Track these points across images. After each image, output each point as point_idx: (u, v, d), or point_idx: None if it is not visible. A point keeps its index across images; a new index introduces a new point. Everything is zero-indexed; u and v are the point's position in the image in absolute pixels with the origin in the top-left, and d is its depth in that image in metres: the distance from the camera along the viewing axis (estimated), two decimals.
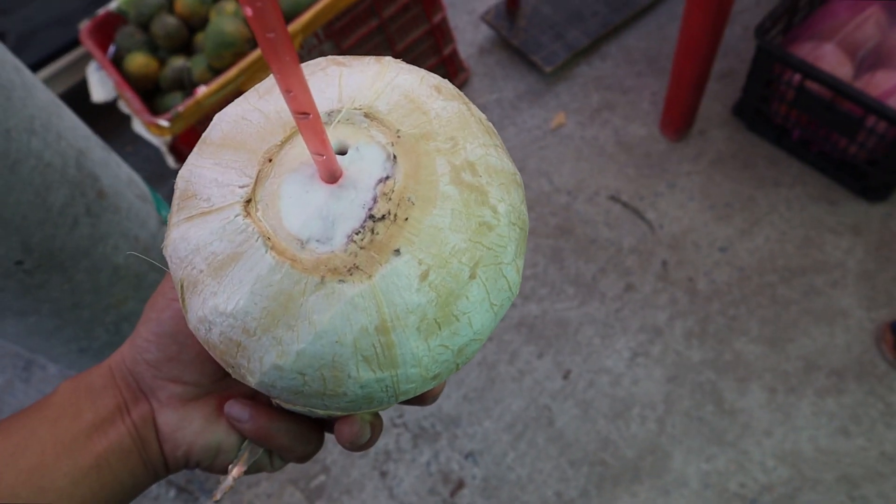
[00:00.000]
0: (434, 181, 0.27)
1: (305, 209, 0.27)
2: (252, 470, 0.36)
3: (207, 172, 0.29)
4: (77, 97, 1.45)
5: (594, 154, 1.51)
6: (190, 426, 0.34)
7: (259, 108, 0.31)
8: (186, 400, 0.34)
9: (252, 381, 0.28)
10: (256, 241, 0.27)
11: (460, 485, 1.21)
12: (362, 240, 0.26)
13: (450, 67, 1.61)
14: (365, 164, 0.28)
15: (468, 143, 0.29)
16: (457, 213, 0.27)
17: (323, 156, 0.26)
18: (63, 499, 0.31)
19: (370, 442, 0.34)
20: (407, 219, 0.26)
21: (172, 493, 1.27)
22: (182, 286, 0.29)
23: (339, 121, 0.30)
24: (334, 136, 0.29)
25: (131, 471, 0.33)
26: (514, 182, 0.30)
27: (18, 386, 1.48)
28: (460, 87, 1.62)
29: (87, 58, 1.54)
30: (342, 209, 0.27)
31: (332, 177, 0.27)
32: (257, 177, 0.29)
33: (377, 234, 0.26)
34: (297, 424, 0.34)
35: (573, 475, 1.19)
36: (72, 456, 0.32)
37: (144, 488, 0.35)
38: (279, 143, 0.29)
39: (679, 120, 1.45)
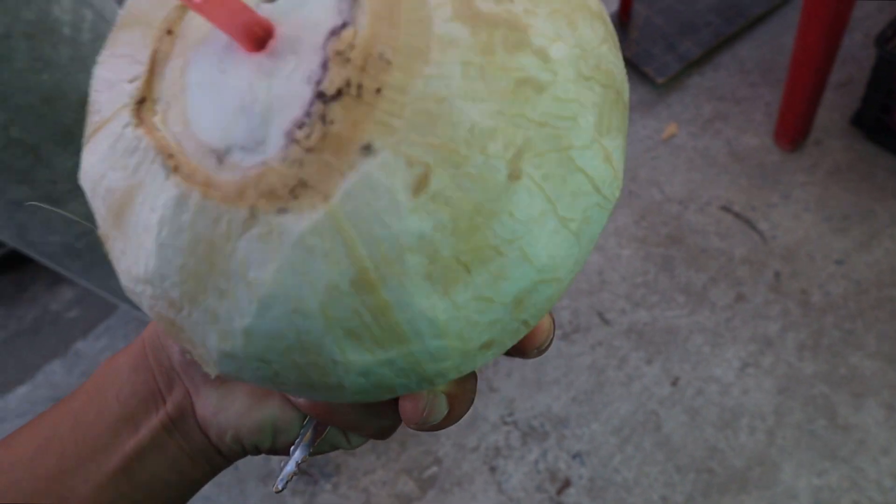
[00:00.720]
0: (424, 19, 0.17)
1: (222, 101, 0.18)
2: (325, 449, 0.31)
3: (102, 70, 0.21)
4: None
5: (706, 164, 1.52)
6: (232, 406, 0.28)
7: None
8: None
9: (211, 373, 0.21)
10: (153, 162, 0.18)
11: (567, 483, 1.25)
12: (309, 137, 0.17)
13: None
14: (307, 8, 0.18)
15: None
16: (471, 67, 0.17)
17: (237, 8, 0.17)
18: None
19: (450, 417, 0.25)
20: (380, 89, 0.17)
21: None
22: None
23: None
24: None
25: (174, 466, 0.29)
26: (585, 9, 0.20)
27: None
28: None
29: None
30: (277, 90, 0.17)
31: (256, 40, 0.18)
32: (152, 61, 0.20)
33: (332, 122, 0.17)
34: None
35: (679, 481, 1.20)
36: (95, 459, 0.27)
37: (203, 481, 0.30)
38: (180, 3, 0.20)
39: (794, 130, 1.44)
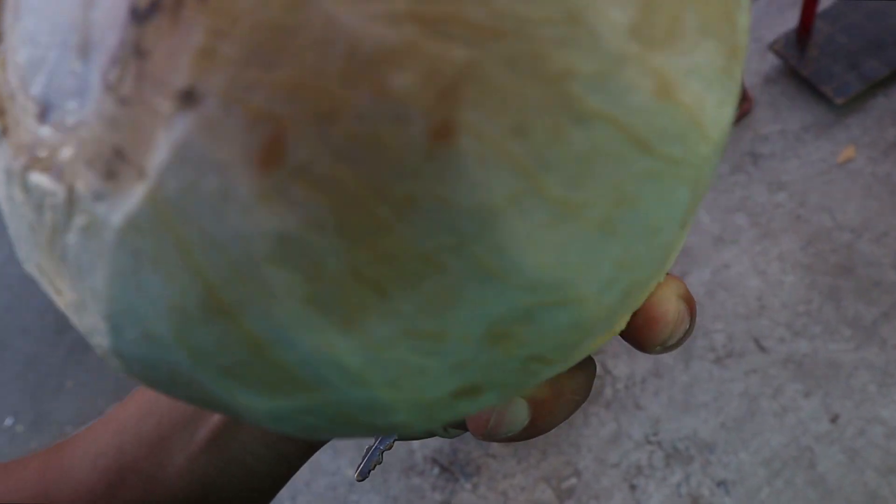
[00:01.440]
0: None
1: (47, 29, 0.13)
2: (419, 436, 0.28)
3: None
4: None
5: (886, 192, 1.43)
6: None
7: None
8: None
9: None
10: None
11: None
12: (121, 80, 0.11)
13: None
14: None
15: None
16: None
17: None
18: (184, 475, 0.27)
19: (537, 426, 0.19)
20: None
21: (436, 470, 1.41)
22: None
23: None
24: None
25: (264, 441, 0.27)
26: None
27: None
28: (742, 117, 1.62)
29: None
30: (96, 12, 0.12)
31: None
32: None
33: (147, 55, 0.11)
34: None
35: None
36: (187, 428, 0.27)
37: (295, 459, 0.28)
38: None
39: None
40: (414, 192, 0.10)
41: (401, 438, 0.24)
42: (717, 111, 0.12)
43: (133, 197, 0.11)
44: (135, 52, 0.11)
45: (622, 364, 1.38)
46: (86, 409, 1.70)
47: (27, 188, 0.12)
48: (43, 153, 0.12)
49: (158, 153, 0.11)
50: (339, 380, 0.12)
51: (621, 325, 0.17)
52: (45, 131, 0.12)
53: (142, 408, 0.27)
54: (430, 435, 0.27)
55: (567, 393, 0.20)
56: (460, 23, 0.10)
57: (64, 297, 0.13)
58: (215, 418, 0.26)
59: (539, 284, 0.12)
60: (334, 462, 1.46)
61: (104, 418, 0.29)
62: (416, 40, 0.10)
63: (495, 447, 1.38)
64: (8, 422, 1.78)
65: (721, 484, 1.23)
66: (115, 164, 0.11)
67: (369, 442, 0.21)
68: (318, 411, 0.13)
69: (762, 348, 1.33)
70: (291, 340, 0.11)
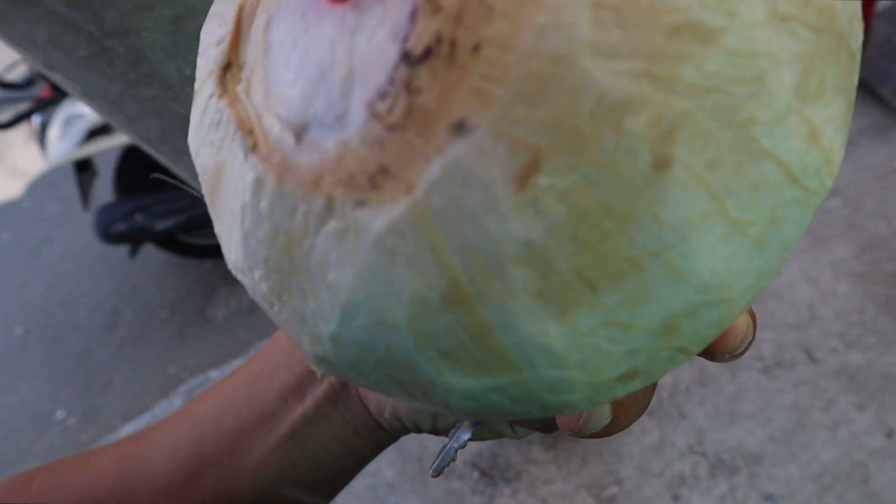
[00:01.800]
0: None
1: (301, 66, 0.15)
2: (488, 436, 0.28)
3: (203, 33, 0.19)
4: None
5: None
6: None
7: None
8: None
9: (315, 371, 0.20)
10: (233, 139, 0.16)
11: None
12: (391, 110, 0.13)
13: None
14: None
15: None
16: (604, 10, 0.13)
17: None
18: (260, 468, 0.28)
19: (615, 425, 0.22)
20: (477, 46, 0.13)
21: (476, 474, 1.41)
22: None
23: None
24: None
25: (338, 436, 0.28)
26: None
27: None
28: None
29: None
30: (359, 51, 0.14)
31: None
32: (237, 19, 0.17)
33: (418, 92, 0.13)
34: None
35: None
36: (266, 423, 0.28)
37: (368, 455, 0.29)
38: None
39: None
40: (634, 209, 0.13)
41: (474, 439, 0.26)
42: (840, 152, 0.16)
43: (398, 206, 0.13)
44: (406, 88, 0.13)
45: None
46: (134, 405, 1.74)
47: (281, 195, 0.15)
48: (300, 167, 0.15)
49: (430, 171, 0.13)
50: (542, 361, 0.14)
51: None
52: (302, 149, 0.15)
53: (221, 403, 0.29)
54: (499, 436, 0.28)
55: (638, 399, 0.22)
56: (681, 81, 0.13)
57: (279, 288, 0.16)
58: (294, 415, 0.27)
59: (709, 286, 0.14)
60: (374, 463, 1.46)
61: (179, 413, 0.30)
62: (648, 92, 0.13)
63: (535, 453, 1.37)
64: (60, 415, 1.83)
65: (769, 497, 1.20)
66: (380, 179, 0.14)
67: (443, 441, 0.24)
68: (508, 390, 0.15)
69: (813, 359, 1.29)
70: (515, 327, 0.14)
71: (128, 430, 1.63)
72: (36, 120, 1.70)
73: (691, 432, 1.29)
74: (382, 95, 0.14)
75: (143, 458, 0.29)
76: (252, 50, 0.17)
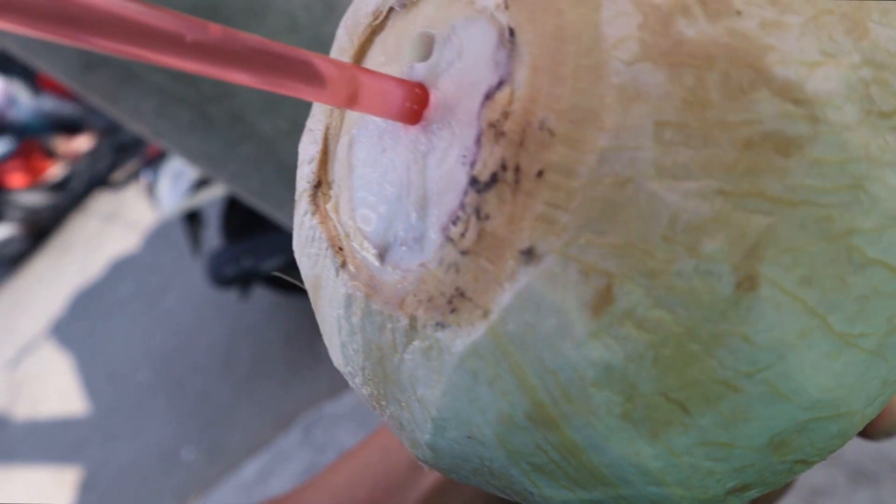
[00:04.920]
0: (597, 64, 0.12)
1: (381, 187, 0.16)
2: None
3: (300, 146, 0.20)
4: None
5: None
6: None
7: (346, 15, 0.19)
8: None
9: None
10: (325, 256, 0.17)
11: None
12: (463, 235, 0.14)
13: None
14: (463, 62, 0.15)
15: None
16: (668, 129, 0.12)
17: (388, 88, 0.14)
18: None
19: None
20: (541, 172, 0.13)
21: None
22: None
23: None
24: (411, 23, 0.16)
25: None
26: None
27: None
28: None
29: None
30: (431, 174, 0.15)
31: (408, 111, 0.15)
32: (325, 139, 0.18)
33: (488, 217, 0.13)
34: None
35: None
36: (398, 493, 0.28)
37: None
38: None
39: None
40: (720, 332, 0.13)
41: None
42: None
43: (476, 330, 0.13)
44: (475, 214, 0.13)
45: None
46: (254, 440, 1.80)
47: (370, 313, 0.15)
48: (385, 287, 0.15)
49: (503, 297, 0.13)
50: (638, 479, 0.14)
51: None
52: (386, 269, 0.15)
53: (355, 475, 0.29)
54: None
55: (769, 493, 0.21)
56: (760, 196, 0.12)
57: (378, 395, 0.16)
58: (425, 484, 0.28)
59: (818, 403, 0.13)
60: None
61: (312, 483, 0.31)
62: (724, 211, 0.12)
63: None
64: (185, 454, 1.92)
65: None
66: (457, 302, 0.14)
67: None
68: (608, 502, 0.15)
69: None
70: (604, 447, 0.14)
71: (250, 466, 1.69)
72: (145, 177, 1.80)
73: None
74: (455, 220, 0.14)
75: None
76: (338, 169, 0.17)
